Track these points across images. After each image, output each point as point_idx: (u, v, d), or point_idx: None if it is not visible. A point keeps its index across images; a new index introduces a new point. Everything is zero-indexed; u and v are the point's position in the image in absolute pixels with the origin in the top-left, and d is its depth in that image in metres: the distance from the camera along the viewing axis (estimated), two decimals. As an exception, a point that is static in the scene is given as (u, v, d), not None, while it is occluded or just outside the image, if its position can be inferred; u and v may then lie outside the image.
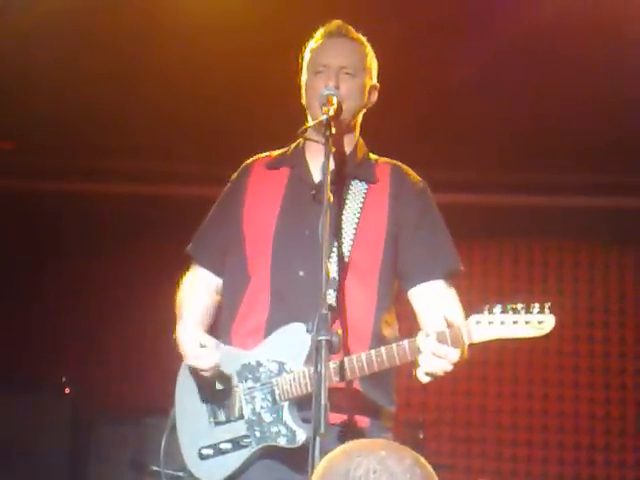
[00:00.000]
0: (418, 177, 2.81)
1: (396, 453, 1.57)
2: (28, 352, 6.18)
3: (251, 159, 2.91)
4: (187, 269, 2.93)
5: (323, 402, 2.07)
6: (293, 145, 2.87)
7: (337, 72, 2.68)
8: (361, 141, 2.83)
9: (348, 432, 2.52)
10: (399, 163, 2.83)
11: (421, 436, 5.07)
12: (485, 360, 6.11)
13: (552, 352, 6.15)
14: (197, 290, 2.85)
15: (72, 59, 4.79)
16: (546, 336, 2.31)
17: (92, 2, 4.36)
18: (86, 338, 6.30)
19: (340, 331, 2.22)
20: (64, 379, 5.61)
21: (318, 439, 2.05)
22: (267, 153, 2.90)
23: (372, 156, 2.83)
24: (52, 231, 6.30)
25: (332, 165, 2.56)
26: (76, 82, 4.97)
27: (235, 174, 2.90)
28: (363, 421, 2.61)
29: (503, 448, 6.13)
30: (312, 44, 2.81)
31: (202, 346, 2.61)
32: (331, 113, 2.52)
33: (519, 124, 5.16)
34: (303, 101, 2.80)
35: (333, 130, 2.51)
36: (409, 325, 2.70)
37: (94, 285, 6.41)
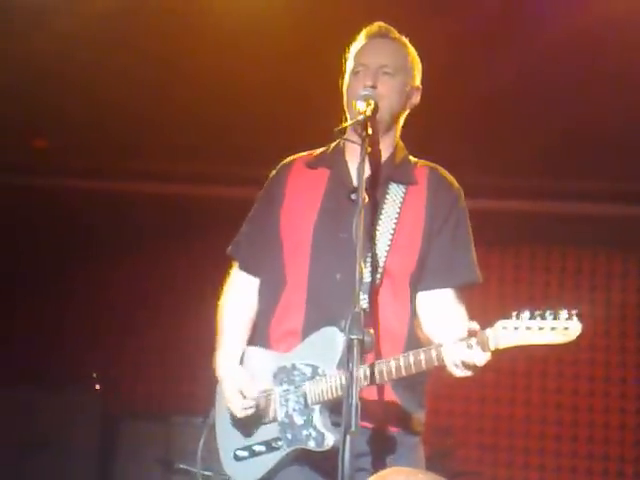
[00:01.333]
0: (455, 182, 2.78)
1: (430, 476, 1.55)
2: (61, 349, 6.23)
3: (291, 157, 2.87)
4: (228, 270, 2.91)
5: (354, 401, 2.06)
6: (333, 145, 2.83)
7: (376, 72, 2.67)
8: (401, 143, 2.79)
9: (379, 436, 2.53)
10: (437, 166, 2.80)
11: (449, 442, 5.05)
12: (513, 369, 6.07)
13: (583, 362, 6.10)
14: (238, 301, 2.83)
15: (107, 61, 4.84)
16: (571, 343, 2.28)
17: (128, 5, 4.39)
18: (118, 337, 6.35)
19: (372, 331, 2.21)
20: (95, 375, 5.64)
21: (348, 438, 2.04)
22: (307, 152, 2.87)
23: (412, 159, 2.80)
24: (87, 230, 6.35)
25: (368, 166, 2.55)
26: (110, 83, 5.02)
27: (274, 172, 2.87)
28: (394, 428, 2.61)
29: (530, 457, 6.08)
30: (354, 45, 2.79)
31: (242, 394, 2.61)
32: (368, 113, 2.50)
33: (555, 131, 5.12)
34: (345, 103, 2.77)
35: (370, 131, 2.50)
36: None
37: (127, 285, 6.45)
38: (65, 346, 6.27)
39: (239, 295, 2.84)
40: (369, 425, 2.51)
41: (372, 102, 2.54)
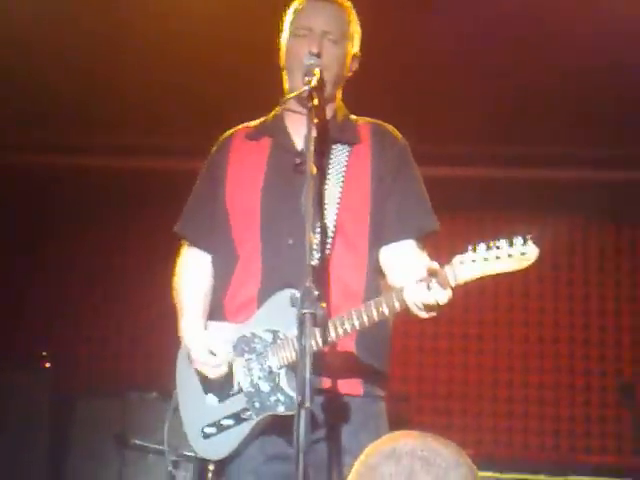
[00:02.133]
0: (399, 135, 2.79)
1: (440, 439, 1.60)
2: (9, 326, 6.13)
3: (229, 131, 2.87)
4: (178, 249, 2.90)
5: (307, 375, 2.05)
6: (272, 114, 2.82)
7: (320, 37, 2.64)
8: (340, 103, 2.78)
9: (339, 402, 2.54)
10: (380, 121, 2.81)
11: (404, 409, 5.10)
12: (465, 333, 6.14)
13: (533, 324, 6.20)
14: (193, 275, 2.82)
15: (65, 24, 4.70)
16: (530, 266, 2.30)
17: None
18: (67, 313, 6.27)
19: (324, 304, 2.21)
20: (45, 354, 5.57)
21: (303, 412, 2.04)
22: (245, 124, 2.86)
23: (353, 117, 2.79)
24: (40, 208, 6.24)
25: (314, 134, 2.52)
26: (65, 53, 4.90)
27: (214, 147, 2.86)
28: (357, 388, 2.61)
29: (483, 419, 6.17)
30: (295, 5, 2.76)
31: (211, 353, 2.61)
32: (314, 84, 2.49)
33: (498, 97, 5.15)
34: (282, 62, 2.74)
35: (315, 101, 2.48)
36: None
37: (78, 262, 6.37)
38: (16, 325, 6.17)
39: (193, 271, 2.82)
40: (331, 387, 2.52)
41: (317, 72, 2.52)
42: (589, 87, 4.93)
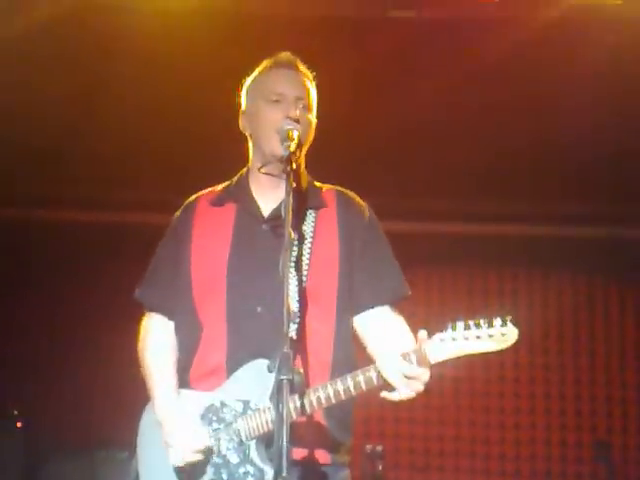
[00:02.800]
0: (361, 200, 2.78)
1: None
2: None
3: (193, 197, 2.83)
4: (141, 313, 2.84)
5: (285, 444, 2.03)
6: (235, 178, 2.81)
7: (294, 104, 2.64)
8: (304, 170, 2.76)
9: (310, 471, 2.49)
10: (342, 188, 2.81)
11: (380, 467, 5.05)
12: (441, 390, 6.11)
13: (509, 380, 6.19)
14: (158, 343, 2.74)
15: (37, 82, 4.72)
16: (510, 348, 2.31)
17: (56, 25, 4.31)
18: (38, 371, 6.18)
19: (302, 370, 2.18)
20: (15, 412, 5.47)
21: (280, 481, 2.01)
22: (209, 189, 2.83)
23: (316, 183, 2.79)
24: (10, 261, 6.18)
25: (278, 198, 2.54)
26: (41, 109, 4.90)
27: (178, 212, 2.82)
28: (325, 457, 2.57)
29: (461, 475, 6.13)
30: (261, 72, 2.75)
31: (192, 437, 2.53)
32: (292, 148, 2.50)
33: (473, 155, 5.22)
34: (249, 127, 2.72)
35: (294, 166, 2.48)
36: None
37: (46, 318, 6.29)
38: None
39: (157, 338, 2.76)
40: (299, 457, 2.47)
41: (295, 138, 2.52)
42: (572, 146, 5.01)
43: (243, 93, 2.78)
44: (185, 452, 2.52)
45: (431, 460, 6.16)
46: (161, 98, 4.81)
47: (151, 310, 2.79)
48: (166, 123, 5.02)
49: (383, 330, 2.63)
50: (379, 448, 5.14)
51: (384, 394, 2.38)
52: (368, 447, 5.14)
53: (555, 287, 6.25)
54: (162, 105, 4.87)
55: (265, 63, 2.77)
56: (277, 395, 2.10)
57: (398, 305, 2.72)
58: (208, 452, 2.53)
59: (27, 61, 4.60)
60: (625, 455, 6.02)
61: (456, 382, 6.09)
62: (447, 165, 5.30)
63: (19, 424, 5.50)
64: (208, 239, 2.71)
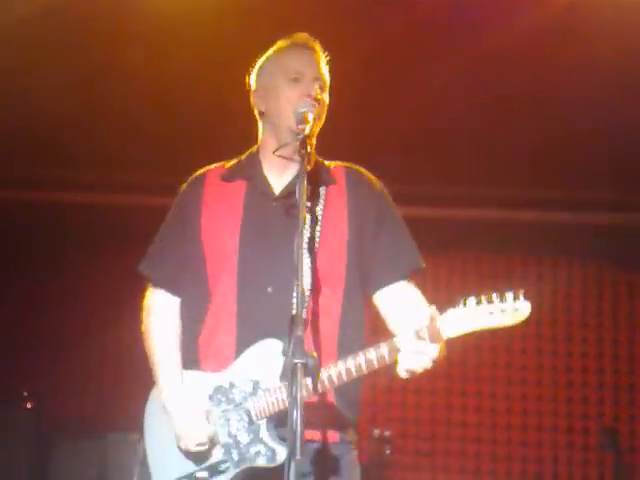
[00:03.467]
0: (373, 177, 2.77)
1: None
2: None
3: (202, 170, 2.80)
4: (145, 289, 2.81)
5: (300, 428, 2.02)
6: (244, 156, 2.79)
7: (313, 83, 2.64)
8: (313, 149, 2.71)
9: (319, 450, 2.50)
10: (353, 165, 2.79)
11: (388, 452, 5.06)
12: (448, 375, 6.12)
13: (516, 367, 6.19)
14: (163, 322, 2.72)
15: (38, 67, 4.71)
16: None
17: (58, 9, 4.28)
18: (49, 353, 6.20)
19: (315, 353, 2.18)
20: (25, 394, 5.49)
21: (293, 464, 2.01)
22: (219, 164, 2.80)
23: (325, 162, 2.77)
24: (16, 242, 6.18)
25: (291, 176, 2.57)
26: (42, 91, 4.89)
27: (185, 185, 2.79)
28: (333, 436, 2.58)
29: (467, 460, 6.14)
30: (278, 50, 2.74)
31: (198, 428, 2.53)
32: (307, 131, 2.48)
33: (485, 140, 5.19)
34: (259, 105, 2.71)
35: (309, 148, 2.47)
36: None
37: (59, 299, 6.31)
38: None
39: (163, 316, 2.73)
40: (309, 437, 2.44)
41: (311, 120, 2.50)
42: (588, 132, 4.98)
43: (256, 71, 2.76)
44: (191, 442, 2.53)
45: (437, 445, 6.17)
46: (165, 81, 4.80)
47: (156, 285, 2.76)
48: (170, 106, 5.00)
49: (401, 306, 2.63)
50: (387, 433, 5.15)
51: (397, 370, 2.38)
52: (376, 431, 5.16)
53: (565, 273, 6.24)
54: (166, 88, 4.85)
55: (282, 42, 2.76)
56: (291, 379, 2.10)
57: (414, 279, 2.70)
58: (215, 438, 2.53)
59: (30, 46, 4.57)
60: (632, 442, 6.02)
61: (463, 367, 6.10)
62: (463, 150, 5.27)
63: (29, 405, 5.51)
64: (218, 216, 2.69)
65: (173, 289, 2.74)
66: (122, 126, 5.21)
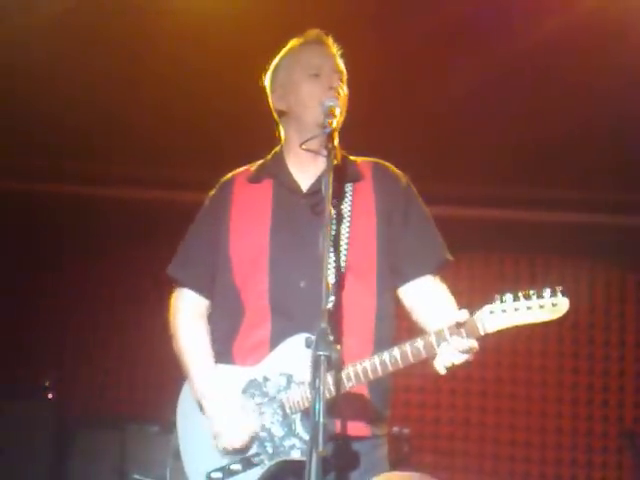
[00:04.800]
0: (399, 172, 2.78)
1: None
2: (14, 357, 6.10)
3: (229, 175, 2.84)
4: (171, 290, 2.83)
5: (321, 420, 2.03)
6: (270, 156, 2.81)
7: (334, 78, 2.66)
8: (337, 145, 2.69)
9: (350, 444, 2.51)
10: (379, 160, 2.80)
11: (406, 449, 5.06)
12: (469, 376, 6.10)
13: (535, 368, 6.17)
14: (194, 324, 2.74)
15: (71, 59, 4.73)
16: (563, 318, 2.31)
17: (93, 3, 4.30)
18: (70, 344, 6.25)
19: (339, 346, 2.18)
20: (47, 384, 5.53)
21: (315, 456, 2.01)
22: (245, 167, 2.83)
23: (351, 157, 2.78)
24: (42, 237, 6.23)
25: (316, 173, 2.59)
26: (77, 83, 4.92)
27: (214, 190, 2.83)
28: (366, 430, 2.59)
29: (485, 461, 6.12)
30: (292, 49, 2.76)
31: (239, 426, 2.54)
32: (334, 125, 2.49)
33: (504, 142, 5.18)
34: (280, 105, 2.73)
35: (336, 142, 2.48)
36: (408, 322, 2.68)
37: (78, 292, 6.35)
38: (19, 354, 6.14)
39: (191, 316, 2.76)
40: (341, 431, 2.47)
41: (338, 114, 2.52)
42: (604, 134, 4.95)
43: (271, 72, 2.79)
44: (233, 441, 2.53)
45: (455, 445, 6.16)
46: (195, 75, 4.80)
47: (183, 286, 2.79)
48: (200, 100, 5.00)
49: (429, 300, 2.64)
50: (406, 430, 5.15)
51: (435, 365, 2.38)
52: (395, 429, 5.15)
53: (587, 276, 6.21)
54: (196, 82, 4.86)
55: (295, 41, 2.78)
56: (314, 371, 2.11)
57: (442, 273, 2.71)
58: (253, 433, 2.55)
59: (66, 37, 4.59)
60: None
61: (482, 368, 6.08)
62: (480, 149, 5.26)
63: (50, 396, 5.55)
64: (247, 215, 2.71)
65: (200, 291, 2.77)
66: (127, 119, 5.22)
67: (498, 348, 6.07)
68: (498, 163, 5.41)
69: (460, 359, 2.35)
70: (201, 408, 2.63)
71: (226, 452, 2.57)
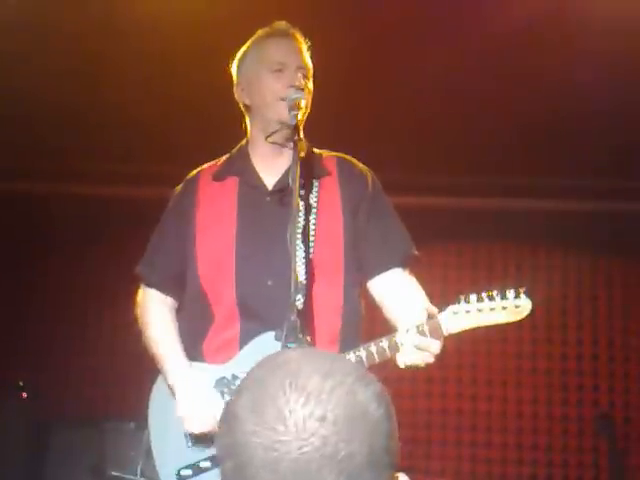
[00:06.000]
0: (364, 167, 2.78)
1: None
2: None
3: (194, 171, 2.82)
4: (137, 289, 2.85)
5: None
6: (235, 150, 2.80)
7: (297, 73, 2.65)
8: (302, 138, 2.71)
9: None
10: (343, 155, 2.80)
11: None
12: (444, 363, 6.11)
13: (510, 354, 6.21)
14: (161, 318, 2.76)
15: (31, 55, 4.68)
16: (522, 320, 2.34)
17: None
18: (43, 341, 6.20)
19: (309, 338, 2.19)
20: (21, 383, 5.48)
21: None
22: (209, 163, 2.82)
23: (316, 150, 2.78)
24: (10, 233, 6.18)
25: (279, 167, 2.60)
26: (36, 80, 4.86)
27: (179, 187, 2.82)
28: None
29: (462, 449, 6.16)
30: (257, 41, 2.75)
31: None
32: (300, 117, 2.50)
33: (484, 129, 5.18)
34: (244, 98, 2.72)
35: (301, 135, 2.49)
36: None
37: (51, 287, 6.31)
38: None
39: (159, 311, 2.77)
40: None
41: (303, 107, 2.52)
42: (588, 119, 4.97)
43: (237, 63, 2.77)
44: (196, 423, 2.54)
45: (433, 434, 6.19)
46: (163, 72, 4.78)
47: (154, 288, 2.80)
48: (163, 95, 4.97)
49: (397, 295, 2.65)
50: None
51: (397, 360, 2.40)
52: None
53: (559, 262, 6.26)
54: (167, 79, 4.84)
55: (260, 32, 2.77)
56: (284, 364, 2.10)
57: (412, 269, 2.72)
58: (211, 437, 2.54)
59: (23, 34, 4.54)
60: (627, 429, 6.05)
61: (459, 355, 6.10)
62: (461, 139, 5.27)
63: (24, 395, 5.51)
64: (212, 214, 2.70)
65: (166, 291, 2.78)
66: (112, 116, 5.18)
67: (473, 338, 6.10)
68: (469, 152, 5.42)
69: (421, 359, 2.37)
70: (173, 398, 2.62)
71: (191, 445, 2.57)
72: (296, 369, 1.18)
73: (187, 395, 2.57)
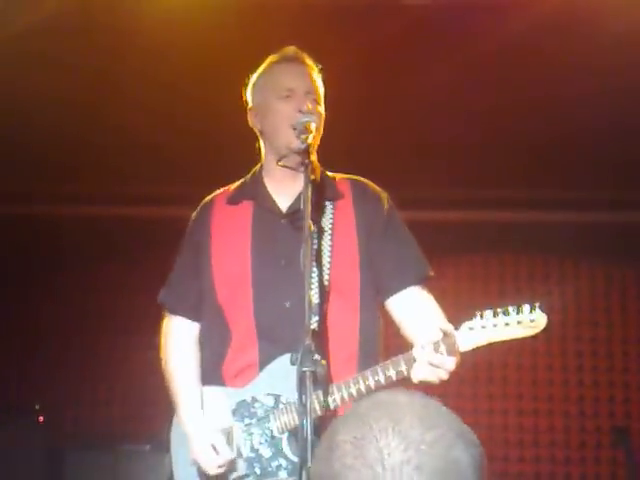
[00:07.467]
0: (377, 188, 2.80)
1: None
2: (1, 379, 6.06)
3: (209, 197, 2.85)
4: (163, 316, 2.87)
5: (309, 436, 2.04)
6: (249, 175, 2.82)
7: (306, 97, 2.66)
8: (315, 162, 2.75)
9: None
10: (357, 177, 2.82)
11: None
12: (461, 379, 6.10)
13: (526, 368, 6.18)
14: (182, 349, 2.76)
15: (37, 81, 4.71)
16: (538, 334, 2.33)
17: (56, 23, 4.28)
18: (59, 365, 6.20)
19: (325, 362, 2.19)
20: (37, 407, 5.49)
21: (305, 474, 2.02)
22: (224, 188, 2.85)
23: (329, 174, 2.79)
24: (19, 255, 6.20)
25: (297, 191, 2.58)
26: (42, 104, 4.89)
27: (195, 213, 2.84)
28: None
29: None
30: (267, 68, 2.77)
31: (215, 450, 2.57)
32: (310, 140, 2.50)
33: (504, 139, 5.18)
34: (256, 125, 2.75)
35: (312, 157, 2.49)
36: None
37: (65, 311, 6.31)
38: (4, 377, 6.10)
39: (181, 342, 2.78)
40: None
41: (313, 129, 2.53)
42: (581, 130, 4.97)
43: (249, 90, 2.80)
44: (209, 466, 2.56)
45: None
46: (167, 93, 4.80)
47: (172, 312, 2.81)
48: (170, 117, 4.99)
49: (414, 314, 2.65)
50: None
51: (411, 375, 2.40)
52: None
53: (571, 273, 6.24)
54: (165, 98, 4.85)
55: (271, 59, 2.78)
56: (300, 387, 2.12)
57: (428, 286, 2.73)
58: (239, 452, 2.56)
59: (26, 57, 4.57)
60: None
61: (474, 370, 6.08)
62: (470, 153, 5.27)
63: (41, 419, 5.51)
64: (227, 238, 2.72)
65: (189, 315, 2.78)
66: (120, 137, 5.21)
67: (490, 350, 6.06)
68: (480, 165, 5.43)
69: (435, 375, 2.37)
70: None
71: (212, 476, 2.58)
72: (401, 415, 1.22)
73: (198, 440, 2.59)
